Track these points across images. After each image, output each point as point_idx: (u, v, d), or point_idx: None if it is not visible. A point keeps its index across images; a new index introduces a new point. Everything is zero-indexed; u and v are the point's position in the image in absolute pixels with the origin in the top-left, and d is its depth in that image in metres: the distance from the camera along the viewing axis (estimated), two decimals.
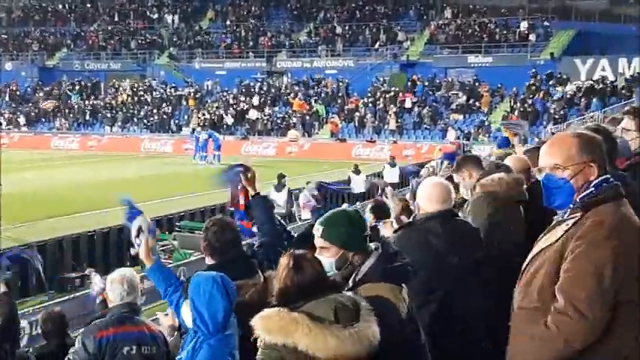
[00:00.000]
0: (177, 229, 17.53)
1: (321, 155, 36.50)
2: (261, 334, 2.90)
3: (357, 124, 42.21)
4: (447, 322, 4.16)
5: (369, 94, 43.98)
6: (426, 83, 43.99)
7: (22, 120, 49.76)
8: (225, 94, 48.02)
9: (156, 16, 58.89)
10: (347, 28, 51.33)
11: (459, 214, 4.89)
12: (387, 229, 5.79)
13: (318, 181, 21.27)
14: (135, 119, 47.93)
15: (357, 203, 17.60)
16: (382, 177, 24.08)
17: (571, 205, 3.08)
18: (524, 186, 5.15)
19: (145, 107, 48.57)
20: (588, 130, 3.51)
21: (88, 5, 62.04)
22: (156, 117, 47.13)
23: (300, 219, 18.67)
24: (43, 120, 50.35)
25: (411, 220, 4.71)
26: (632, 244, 2.92)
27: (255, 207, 5.15)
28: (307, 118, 43.42)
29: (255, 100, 46.03)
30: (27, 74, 55.37)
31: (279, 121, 43.75)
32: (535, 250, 3.18)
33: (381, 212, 6.72)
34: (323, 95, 45.47)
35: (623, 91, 36.58)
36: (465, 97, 41.66)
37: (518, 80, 40.30)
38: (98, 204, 21.16)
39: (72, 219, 19.50)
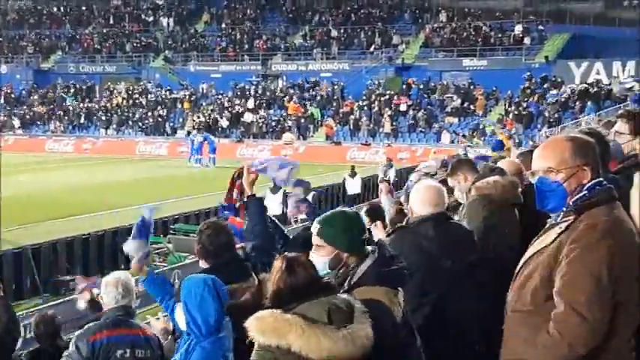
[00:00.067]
0: (171, 232, 17.49)
1: (316, 158, 36.48)
2: (255, 336, 2.90)
3: (352, 127, 42.24)
4: (440, 326, 4.15)
5: (364, 97, 44.01)
6: (421, 86, 44.03)
7: (16, 123, 49.68)
8: (220, 97, 48.05)
9: (151, 19, 58.88)
10: (342, 31, 51.37)
11: (454, 217, 4.90)
12: (378, 232, 5.80)
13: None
14: (130, 122, 47.91)
15: (355, 207, 17.58)
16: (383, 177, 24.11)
17: (564, 209, 3.09)
18: (520, 189, 5.16)
19: (140, 110, 48.56)
20: (581, 133, 3.52)
21: (83, 8, 61.98)
22: (151, 120, 47.11)
23: (294, 221, 18.64)
24: (38, 123, 50.28)
25: (404, 223, 4.71)
26: (626, 245, 2.92)
27: (251, 207, 5.18)
28: (302, 121, 43.45)
29: (251, 103, 46.06)
30: (22, 77, 55.30)
31: (274, 124, 43.78)
32: (528, 253, 3.19)
33: (376, 215, 6.72)
34: (318, 98, 45.50)
35: (618, 95, 36.64)
36: (459, 101, 41.71)
37: (513, 83, 40.37)
38: (93, 207, 21.19)
39: (66, 222, 19.47)
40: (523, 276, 3.14)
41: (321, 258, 3.41)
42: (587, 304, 2.86)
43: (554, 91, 39.44)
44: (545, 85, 40.53)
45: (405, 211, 6.14)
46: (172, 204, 21.70)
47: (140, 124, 47.26)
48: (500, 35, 45.99)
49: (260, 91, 47.79)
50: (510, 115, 38.27)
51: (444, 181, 5.83)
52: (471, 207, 5.03)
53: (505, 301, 3.25)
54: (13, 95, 53.50)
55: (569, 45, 43.61)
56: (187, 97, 48.38)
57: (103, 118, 48.42)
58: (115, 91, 51.52)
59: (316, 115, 43.91)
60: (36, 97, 52.89)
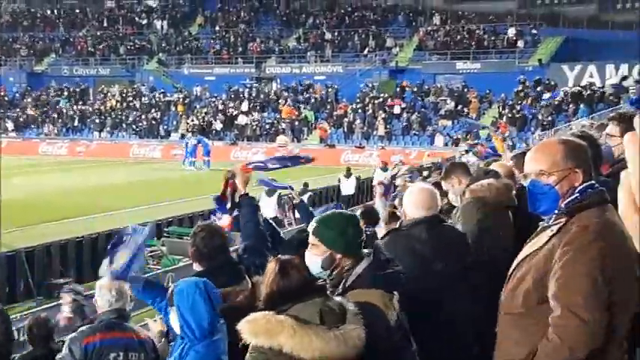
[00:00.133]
0: (165, 234, 17.48)
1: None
2: (248, 338, 2.91)
3: (345, 129, 42.25)
4: (435, 328, 4.16)
5: (358, 100, 44.03)
6: (415, 89, 44.09)
7: (10, 125, 49.55)
8: (214, 99, 48.02)
9: (145, 21, 58.84)
10: (336, 34, 51.41)
11: (447, 220, 4.90)
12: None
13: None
14: (124, 125, 47.82)
15: (349, 209, 17.59)
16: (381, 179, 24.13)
17: (556, 211, 3.09)
18: (514, 192, 5.17)
19: (134, 113, 48.48)
20: (574, 136, 3.53)
21: (77, 11, 61.95)
22: (145, 123, 47.04)
23: (288, 224, 18.64)
24: (32, 125, 50.16)
25: (397, 226, 4.72)
26: (617, 247, 2.92)
27: (243, 207, 5.20)
28: (296, 123, 43.45)
29: (245, 106, 46.04)
30: (15, 79, 55.16)
31: (268, 127, 43.76)
32: (521, 255, 3.19)
33: (371, 217, 6.75)
34: (312, 101, 45.52)
35: (611, 98, 36.74)
36: (453, 103, 41.76)
37: (507, 86, 40.45)
38: (87, 210, 21.14)
39: (60, 225, 19.42)
40: (515, 278, 3.14)
41: (315, 257, 3.43)
42: (585, 306, 2.85)
43: (547, 95, 39.50)
44: (538, 89, 40.62)
45: (398, 214, 6.16)
46: (166, 207, 21.70)
47: (134, 126, 47.18)
48: (493, 38, 46.08)
49: (254, 94, 47.78)
50: (504, 118, 38.34)
51: (437, 184, 5.85)
52: (466, 209, 5.04)
53: (499, 303, 3.26)
54: (6, 98, 53.33)
55: (563, 48, 43.72)
56: (181, 99, 48.33)
57: (97, 120, 48.32)
58: (109, 94, 51.42)
59: (310, 118, 43.92)
60: (29, 99, 52.76)
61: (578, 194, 3.05)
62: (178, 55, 53.79)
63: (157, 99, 49.53)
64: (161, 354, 5.03)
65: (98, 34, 58.32)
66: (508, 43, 45.22)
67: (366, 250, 3.49)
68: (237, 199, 5.26)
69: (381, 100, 43.09)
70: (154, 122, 46.88)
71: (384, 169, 24.95)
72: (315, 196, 21.89)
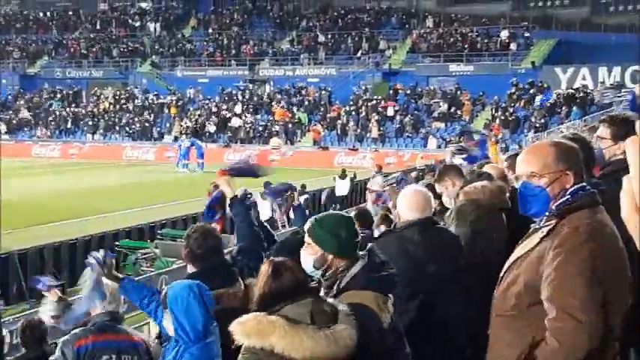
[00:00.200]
0: (159, 237, 17.47)
1: (303, 163, 36.49)
2: (240, 339, 2.92)
3: (339, 132, 42.25)
4: (428, 330, 4.17)
5: (352, 103, 44.04)
6: (408, 91, 44.10)
7: (2, 128, 49.41)
8: (207, 102, 47.94)
9: (138, 24, 58.75)
10: (329, 36, 51.43)
11: (441, 222, 4.92)
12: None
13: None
14: (117, 127, 47.70)
15: (344, 211, 17.59)
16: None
17: (547, 213, 3.09)
18: (507, 194, 5.19)
19: (127, 115, 48.38)
20: (565, 138, 3.54)
21: (70, 13, 61.79)
22: (138, 125, 46.95)
23: (282, 226, 18.64)
24: (24, 128, 50.03)
25: (391, 228, 4.73)
26: (608, 248, 2.93)
27: (234, 209, 5.21)
28: (290, 126, 43.44)
29: (238, 108, 45.99)
30: (8, 82, 54.95)
31: (261, 129, 43.74)
32: (512, 257, 3.20)
33: (365, 220, 6.75)
34: (305, 103, 45.50)
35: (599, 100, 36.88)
36: (446, 106, 41.78)
37: (500, 89, 40.50)
38: (80, 212, 21.10)
39: (53, 227, 19.40)
40: (507, 280, 3.15)
41: (309, 256, 3.45)
42: (581, 307, 2.85)
43: (539, 97, 39.58)
44: (531, 91, 40.70)
45: (392, 217, 6.17)
46: (159, 209, 21.67)
47: (127, 129, 47.08)
48: (486, 41, 46.14)
49: (247, 96, 47.75)
50: (497, 121, 38.40)
51: (431, 187, 5.86)
52: (459, 212, 5.06)
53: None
54: None
55: (556, 50, 43.81)
56: (174, 102, 48.23)
57: (90, 123, 48.20)
58: (102, 96, 51.30)
59: (303, 120, 43.90)
60: (22, 102, 52.59)
61: (569, 196, 3.05)
62: (171, 57, 53.74)
63: (150, 101, 49.46)
64: (154, 356, 5.02)
65: (91, 36, 58.21)
66: (501, 45, 45.29)
67: (360, 252, 3.50)
68: (227, 204, 5.27)
69: (374, 102, 43.10)
70: (147, 124, 46.81)
71: (380, 173, 25.01)
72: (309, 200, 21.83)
